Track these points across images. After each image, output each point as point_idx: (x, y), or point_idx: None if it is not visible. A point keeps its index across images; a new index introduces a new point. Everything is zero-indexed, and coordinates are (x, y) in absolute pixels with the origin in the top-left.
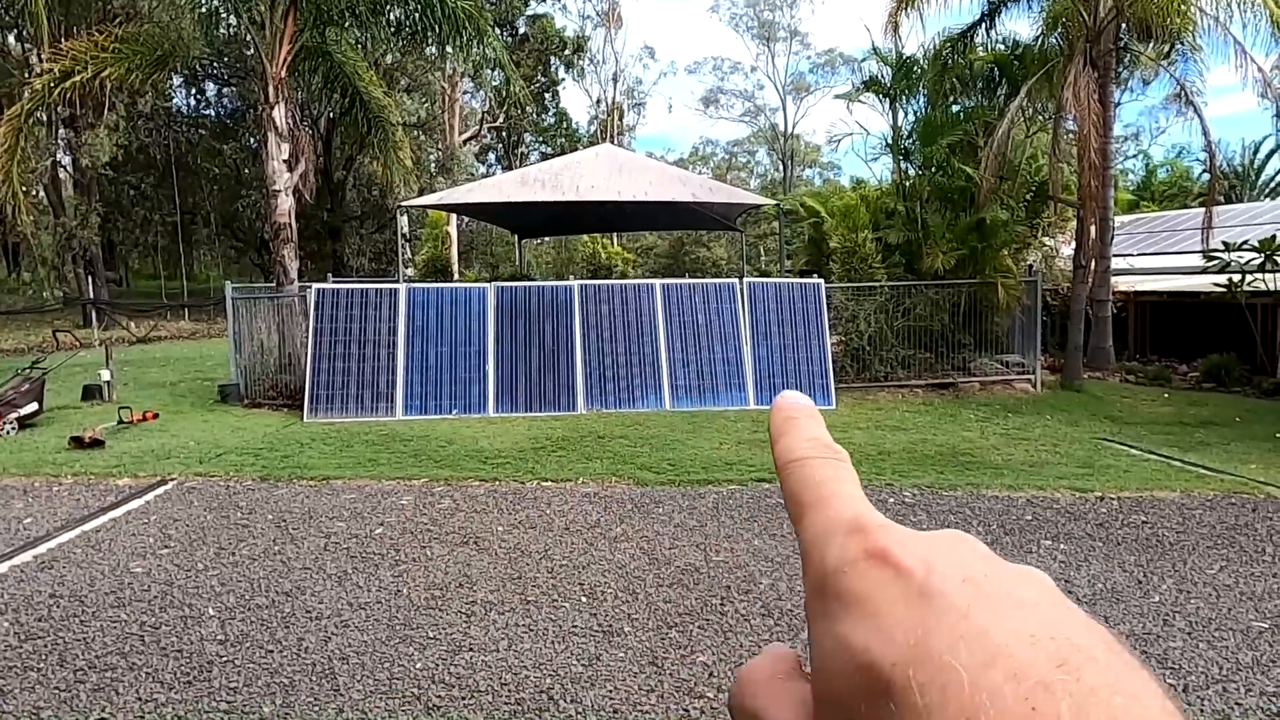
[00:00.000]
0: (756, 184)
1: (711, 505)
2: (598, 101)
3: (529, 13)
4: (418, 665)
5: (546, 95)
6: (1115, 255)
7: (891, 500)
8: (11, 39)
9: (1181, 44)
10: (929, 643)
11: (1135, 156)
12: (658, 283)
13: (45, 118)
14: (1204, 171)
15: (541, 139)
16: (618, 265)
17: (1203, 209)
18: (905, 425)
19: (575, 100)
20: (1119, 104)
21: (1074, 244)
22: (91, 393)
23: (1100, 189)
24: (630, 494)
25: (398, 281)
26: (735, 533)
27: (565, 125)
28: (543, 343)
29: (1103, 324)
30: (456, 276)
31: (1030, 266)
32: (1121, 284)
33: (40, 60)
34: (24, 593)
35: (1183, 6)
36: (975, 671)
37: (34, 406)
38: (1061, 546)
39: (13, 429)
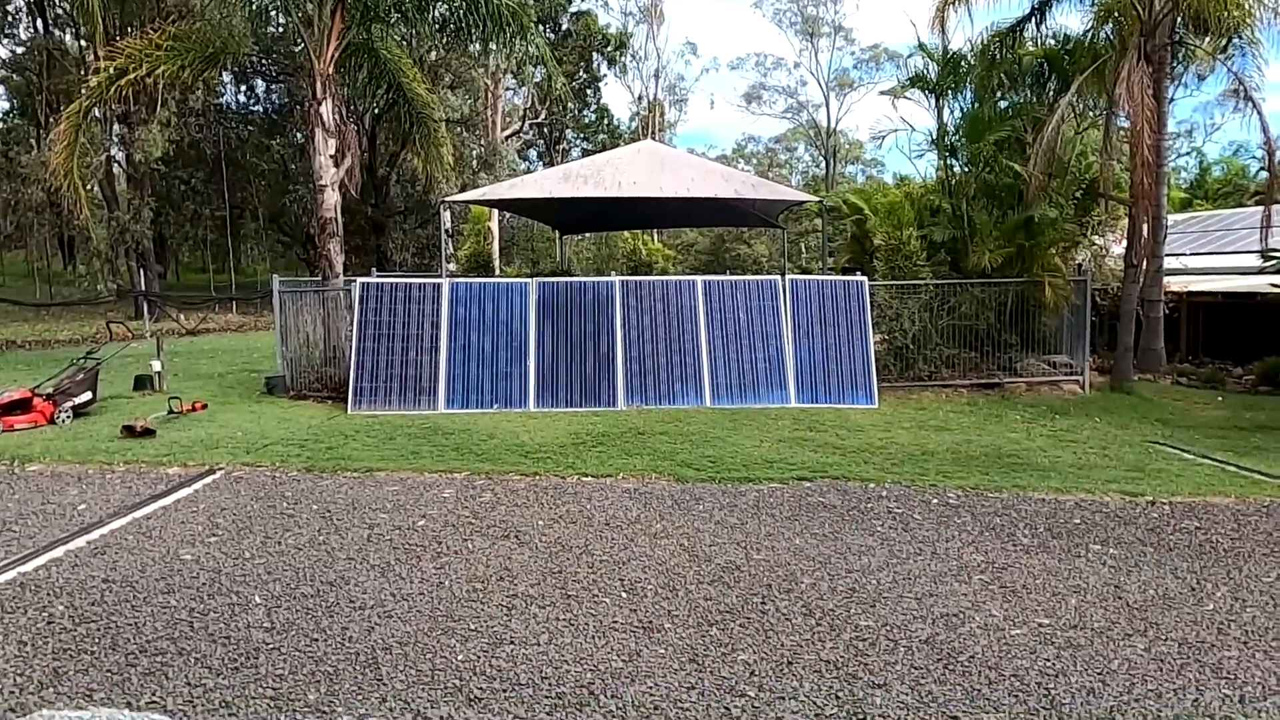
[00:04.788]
0: (798, 180)
1: (752, 503)
2: (639, 98)
3: (572, 9)
4: (459, 657)
5: (588, 91)
6: (1167, 255)
7: (936, 502)
8: (68, 37)
9: (1239, 38)
10: None
11: (1189, 154)
12: (699, 279)
13: (101, 114)
14: (1262, 169)
15: (583, 135)
16: (658, 261)
17: (1260, 207)
18: (949, 425)
19: (617, 96)
20: (1173, 100)
21: (1125, 243)
22: (143, 383)
23: (1153, 187)
24: (670, 490)
25: (441, 276)
26: (776, 531)
27: (607, 121)
28: (584, 338)
29: (1154, 324)
30: (498, 271)
31: (1079, 265)
32: (1174, 284)
33: (97, 58)
34: (78, 577)
35: None
36: None
37: (88, 396)
38: (1111, 551)
39: (68, 417)
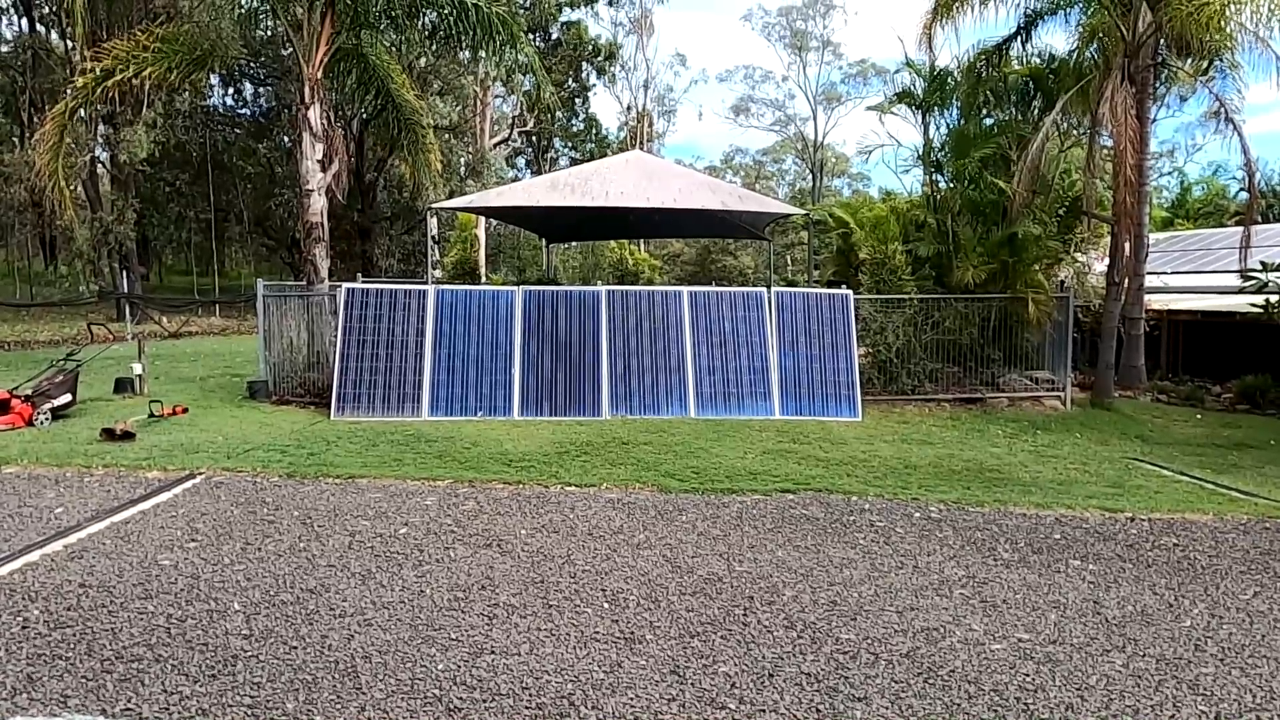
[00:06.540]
0: (785, 193)
1: (735, 514)
2: (628, 108)
3: (562, 19)
4: (439, 666)
5: (577, 101)
6: (1149, 273)
7: (918, 515)
8: (55, 36)
9: (1220, 61)
10: None
11: (1170, 174)
12: (685, 290)
13: (86, 115)
14: (1241, 190)
15: (571, 144)
16: (644, 271)
17: (1239, 228)
18: (932, 439)
19: (605, 106)
20: (1155, 120)
21: (1107, 260)
22: (123, 386)
23: (1135, 206)
24: (654, 500)
25: (426, 283)
26: (759, 543)
27: (595, 131)
28: (569, 347)
29: (1135, 342)
30: (484, 279)
31: (1062, 282)
32: (1155, 302)
33: (83, 58)
34: (54, 581)
35: (1223, 23)
36: None
37: (68, 398)
38: (1090, 567)
39: (47, 419)
